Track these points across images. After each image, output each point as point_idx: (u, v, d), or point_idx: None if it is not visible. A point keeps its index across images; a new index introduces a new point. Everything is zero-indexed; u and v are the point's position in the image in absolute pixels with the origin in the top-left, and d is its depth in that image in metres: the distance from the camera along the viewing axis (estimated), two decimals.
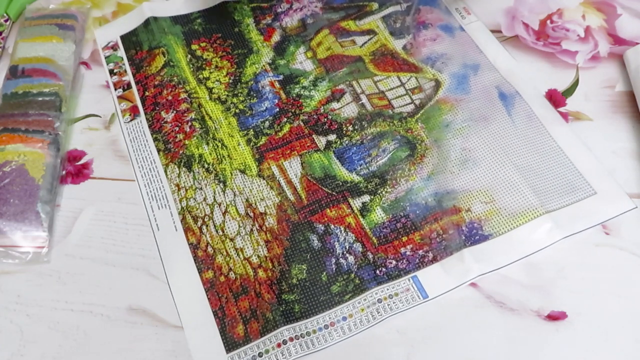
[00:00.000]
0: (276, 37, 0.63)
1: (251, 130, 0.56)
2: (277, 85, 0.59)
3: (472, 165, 0.52)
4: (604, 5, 0.62)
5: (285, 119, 0.56)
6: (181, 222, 0.51)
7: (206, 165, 0.53)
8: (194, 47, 0.62)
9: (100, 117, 0.59)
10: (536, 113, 0.55)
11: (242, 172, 0.53)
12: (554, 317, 0.45)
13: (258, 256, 0.48)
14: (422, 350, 0.44)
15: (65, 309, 0.47)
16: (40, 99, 0.56)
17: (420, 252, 0.48)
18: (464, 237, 0.48)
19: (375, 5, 0.65)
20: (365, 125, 0.55)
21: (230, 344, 0.44)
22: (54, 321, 0.46)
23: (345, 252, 0.48)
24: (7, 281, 0.49)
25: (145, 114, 0.58)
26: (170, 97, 0.58)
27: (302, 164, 0.53)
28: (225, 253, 0.49)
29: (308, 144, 0.54)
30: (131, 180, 0.54)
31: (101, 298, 0.47)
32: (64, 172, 0.55)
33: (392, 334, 0.45)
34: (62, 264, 0.49)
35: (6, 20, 0.66)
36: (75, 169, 0.55)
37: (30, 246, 0.49)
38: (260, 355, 0.44)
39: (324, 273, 0.47)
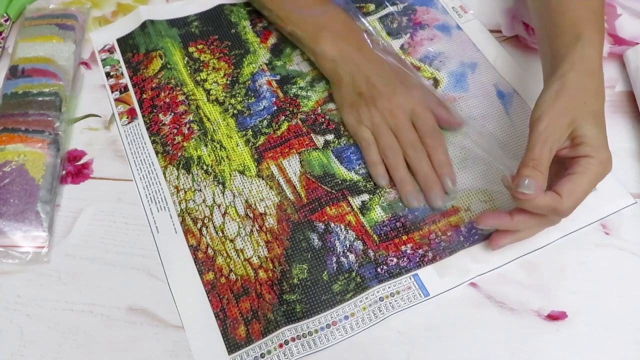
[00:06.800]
0: (272, 39, 0.63)
1: (250, 130, 0.56)
2: (274, 84, 0.59)
3: (471, 163, 0.52)
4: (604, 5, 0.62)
5: (283, 117, 0.56)
6: (181, 224, 0.51)
7: (205, 167, 0.53)
8: (191, 49, 0.62)
9: (100, 117, 0.59)
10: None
11: (241, 173, 0.53)
12: (554, 317, 0.45)
13: (258, 257, 0.48)
14: (422, 350, 0.44)
15: (65, 309, 0.47)
16: (40, 99, 0.56)
17: (420, 251, 0.48)
18: (462, 238, 0.48)
19: (372, 7, 0.65)
20: None
21: (232, 346, 0.44)
22: (54, 321, 0.46)
23: (346, 251, 0.48)
24: (7, 281, 0.49)
25: (143, 116, 0.58)
26: (167, 100, 0.58)
27: (301, 162, 0.53)
28: (225, 254, 0.49)
29: (307, 142, 0.54)
30: (131, 180, 0.54)
31: (101, 298, 0.47)
32: (64, 172, 0.54)
33: (392, 334, 0.45)
34: (62, 264, 0.49)
35: (6, 20, 0.66)
36: (75, 169, 0.55)
37: (30, 246, 0.49)
38: (262, 356, 0.44)
39: (325, 272, 0.47)
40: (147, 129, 0.57)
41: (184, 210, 0.51)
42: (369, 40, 0.57)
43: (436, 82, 0.58)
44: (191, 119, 0.56)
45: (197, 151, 0.54)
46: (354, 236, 0.49)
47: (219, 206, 0.51)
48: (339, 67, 0.55)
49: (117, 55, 0.63)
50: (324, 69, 0.57)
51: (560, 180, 0.42)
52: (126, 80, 0.61)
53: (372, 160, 0.52)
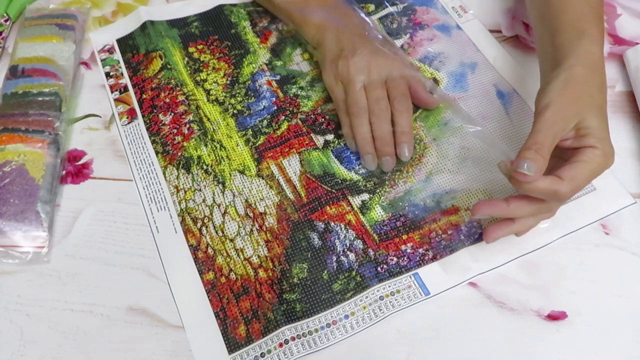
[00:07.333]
0: (272, 39, 0.63)
1: (249, 130, 0.56)
2: (274, 84, 0.59)
3: (470, 163, 0.52)
4: (604, 5, 0.62)
5: (283, 117, 0.56)
6: (181, 224, 0.51)
7: (205, 167, 0.53)
8: (191, 49, 0.62)
9: (100, 117, 0.59)
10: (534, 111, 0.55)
11: (241, 172, 0.53)
12: (554, 317, 0.45)
13: (258, 256, 0.48)
14: (422, 350, 0.44)
15: (65, 309, 0.47)
16: (40, 99, 0.56)
17: (421, 250, 0.48)
18: (462, 237, 0.48)
19: (372, 7, 0.65)
20: None
21: (232, 345, 0.44)
22: (54, 321, 0.46)
23: (346, 250, 0.48)
24: (7, 281, 0.49)
25: (143, 116, 0.58)
26: (167, 100, 0.58)
27: (300, 161, 0.53)
28: (225, 254, 0.49)
29: (306, 142, 0.54)
30: (131, 180, 0.54)
31: (101, 298, 0.47)
32: (64, 172, 0.55)
33: (392, 334, 0.45)
34: (62, 264, 0.49)
35: (6, 20, 0.66)
36: (75, 168, 0.55)
37: (30, 246, 0.49)
38: (262, 355, 0.44)
39: (325, 271, 0.47)
40: (147, 129, 0.57)
41: (184, 210, 0.51)
42: (357, 11, 0.59)
43: (436, 82, 0.58)
44: (191, 119, 0.56)
45: (197, 151, 0.54)
46: (354, 235, 0.49)
47: (218, 206, 0.51)
48: (325, 30, 0.56)
49: (117, 55, 0.63)
50: (308, 35, 0.58)
51: (561, 167, 0.41)
52: (126, 80, 0.61)
53: (345, 121, 0.53)
